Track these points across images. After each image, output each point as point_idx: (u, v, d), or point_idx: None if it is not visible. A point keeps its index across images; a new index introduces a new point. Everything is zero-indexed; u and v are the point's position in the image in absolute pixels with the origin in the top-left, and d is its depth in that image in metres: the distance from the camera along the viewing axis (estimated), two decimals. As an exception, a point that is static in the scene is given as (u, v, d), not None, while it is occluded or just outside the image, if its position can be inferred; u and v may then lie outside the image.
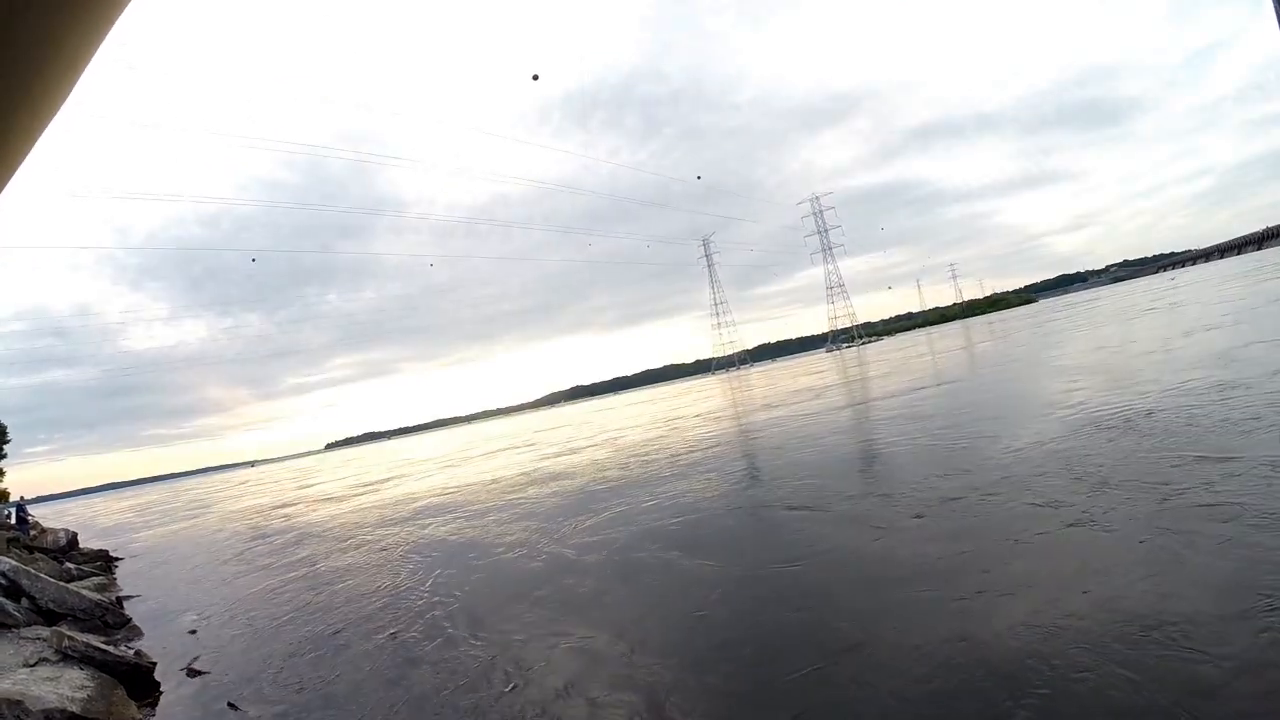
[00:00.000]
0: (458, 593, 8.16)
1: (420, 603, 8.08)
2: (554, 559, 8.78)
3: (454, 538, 11.68)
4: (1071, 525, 5.94)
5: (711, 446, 16.81)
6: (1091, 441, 8.79)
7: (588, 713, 4.44)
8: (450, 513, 14.48)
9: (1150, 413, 9.62)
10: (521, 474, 19.21)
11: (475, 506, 14.56)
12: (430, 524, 13.56)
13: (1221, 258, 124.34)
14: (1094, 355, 19.10)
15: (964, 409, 14.14)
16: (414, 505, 17.15)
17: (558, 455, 22.83)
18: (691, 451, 16.53)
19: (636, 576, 7.32)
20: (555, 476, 16.93)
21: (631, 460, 17.10)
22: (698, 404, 39.49)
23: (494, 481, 18.81)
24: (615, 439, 25.44)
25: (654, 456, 16.99)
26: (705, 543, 8.11)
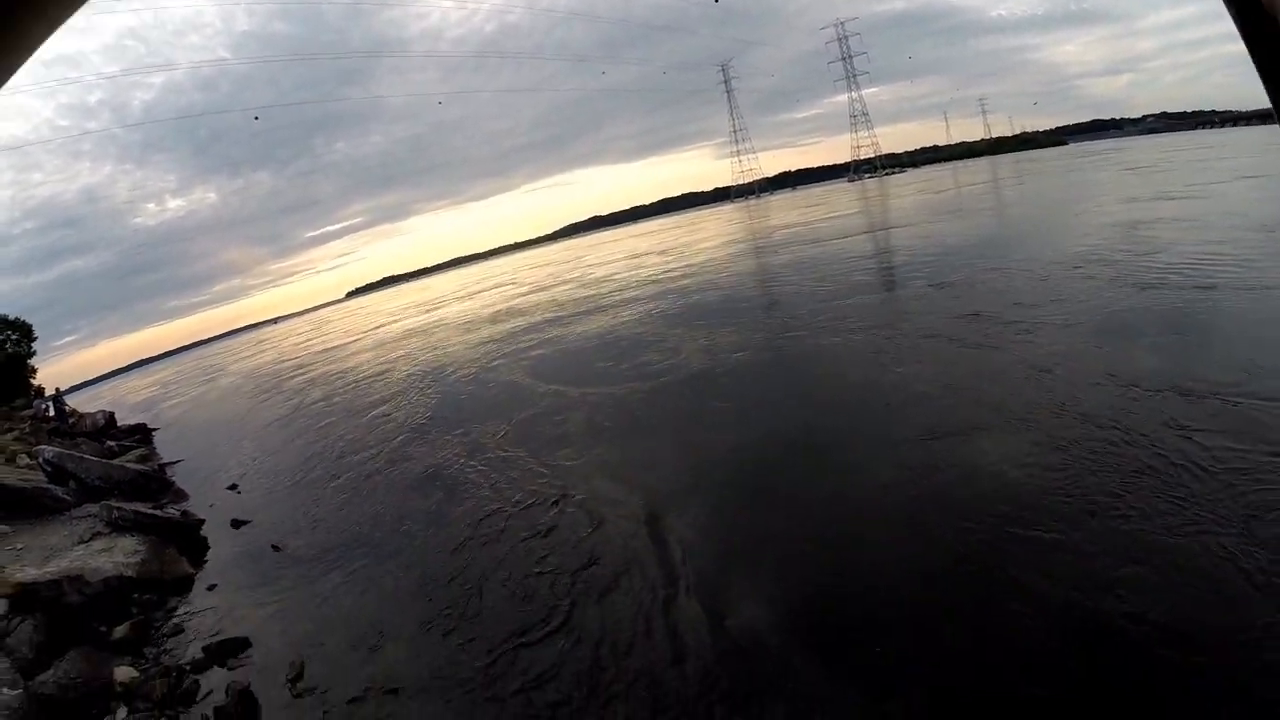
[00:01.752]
0: (438, 405, 9.67)
1: (415, 418, 9.21)
2: (496, 379, 10.27)
3: (427, 364, 13.63)
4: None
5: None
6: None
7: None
8: (432, 347, 16.74)
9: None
10: (491, 311, 21.94)
11: (445, 342, 16.85)
12: (413, 357, 15.93)
13: (1262, 123, 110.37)
14: (1042, 211, 20.48)
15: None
16: (400, 345, 19.77)
17: (527, 293, 25.26)
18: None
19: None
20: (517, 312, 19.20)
21: (573, 300, 18.59)
22: (685, 237, 40.06)
23: (467, 321, 21.12)
24: (584, 276, 27.00)
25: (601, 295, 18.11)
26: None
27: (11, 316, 36.97)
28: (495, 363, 11.47)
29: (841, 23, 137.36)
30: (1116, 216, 14.94)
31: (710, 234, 37.81)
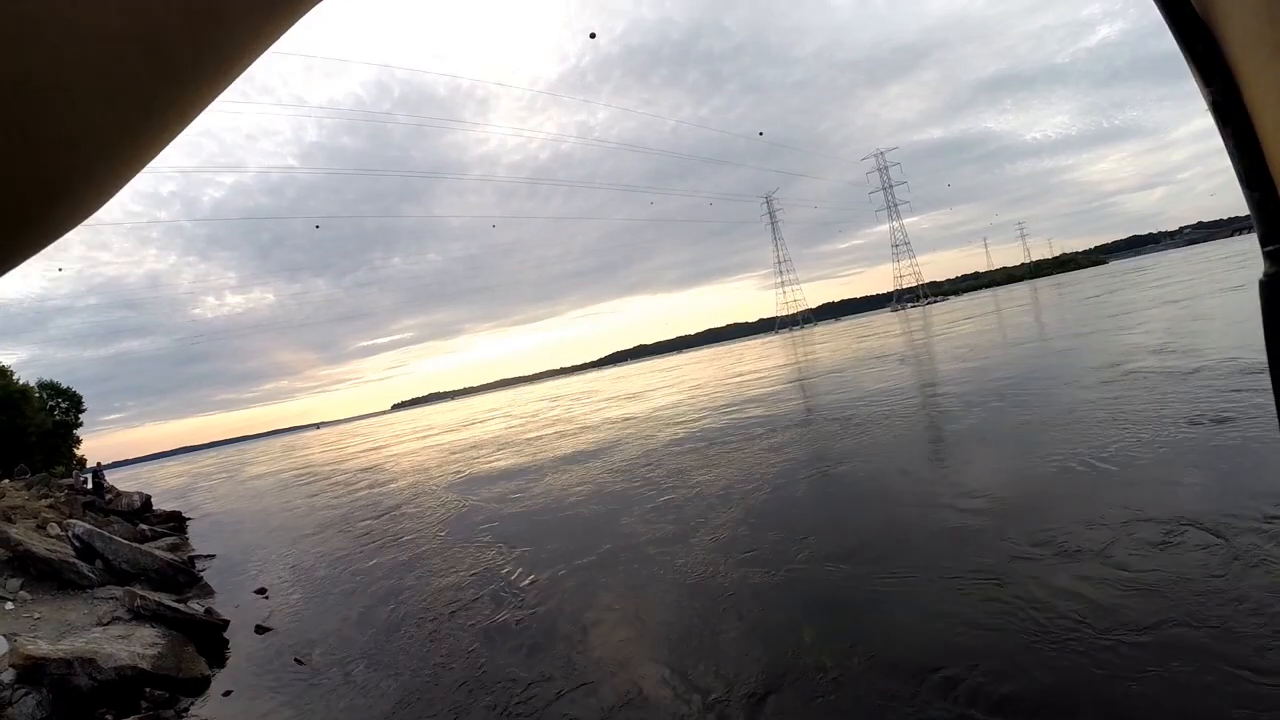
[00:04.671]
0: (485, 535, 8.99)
1: (461, 547, 8.56)
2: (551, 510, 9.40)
3: (470, 483, 13.51)
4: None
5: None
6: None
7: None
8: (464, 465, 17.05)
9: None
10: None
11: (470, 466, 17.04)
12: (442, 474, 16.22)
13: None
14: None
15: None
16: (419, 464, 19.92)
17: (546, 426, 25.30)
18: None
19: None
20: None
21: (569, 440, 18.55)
22: (710, 370, 40.54)
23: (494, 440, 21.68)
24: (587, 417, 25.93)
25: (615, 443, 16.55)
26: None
27: (64, 385, 38.53)
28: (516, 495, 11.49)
29: (882, 153, 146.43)
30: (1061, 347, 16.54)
31: (738, 368, 37.26)
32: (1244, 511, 4.64)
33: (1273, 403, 0.52)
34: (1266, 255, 0.57)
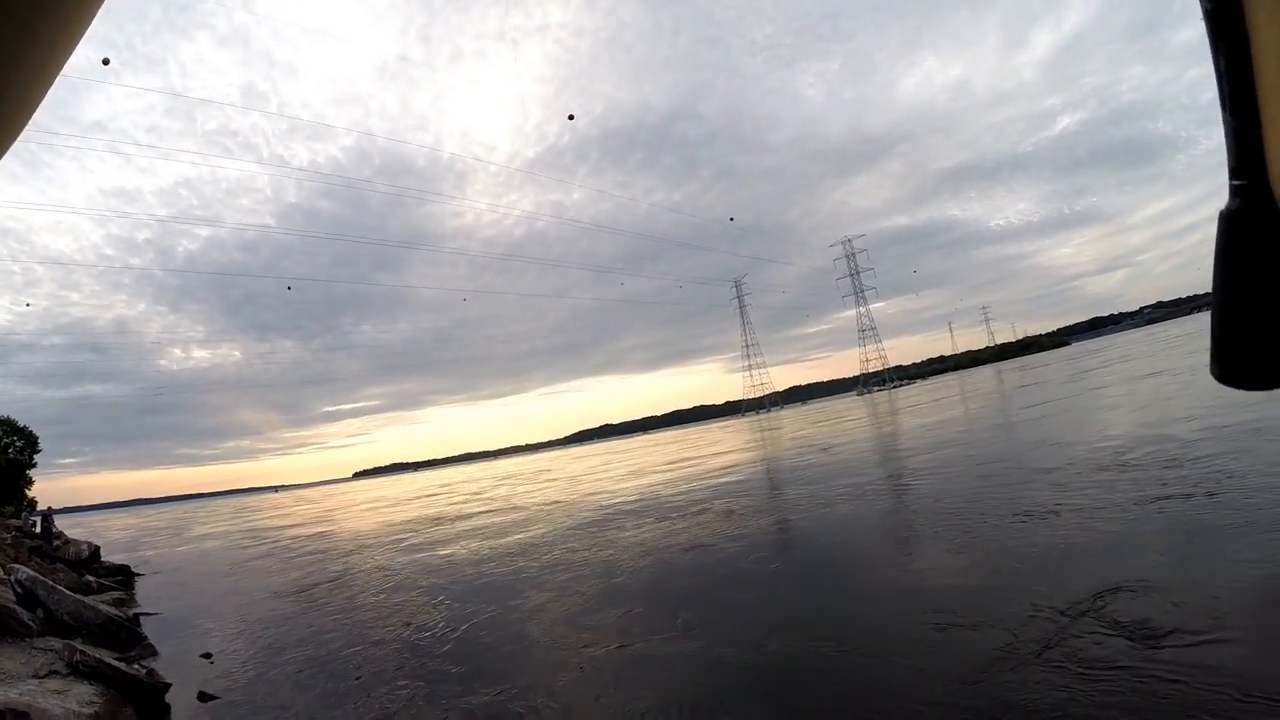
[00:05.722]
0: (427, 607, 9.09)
1: (395, 612, 9.12)
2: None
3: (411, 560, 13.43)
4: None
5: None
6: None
7: None
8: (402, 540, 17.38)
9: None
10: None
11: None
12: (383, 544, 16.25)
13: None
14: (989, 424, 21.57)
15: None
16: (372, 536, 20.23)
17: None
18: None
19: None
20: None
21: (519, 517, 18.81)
22: (663, 452, 42.53)
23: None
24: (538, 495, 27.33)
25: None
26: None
27: (21, 424, 37.71)
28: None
29: (849, 240, 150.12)
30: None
31: (707, 450, 38.03)
32: (1039, 605, 5.20)
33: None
34: (1234, 189, 0.55)
